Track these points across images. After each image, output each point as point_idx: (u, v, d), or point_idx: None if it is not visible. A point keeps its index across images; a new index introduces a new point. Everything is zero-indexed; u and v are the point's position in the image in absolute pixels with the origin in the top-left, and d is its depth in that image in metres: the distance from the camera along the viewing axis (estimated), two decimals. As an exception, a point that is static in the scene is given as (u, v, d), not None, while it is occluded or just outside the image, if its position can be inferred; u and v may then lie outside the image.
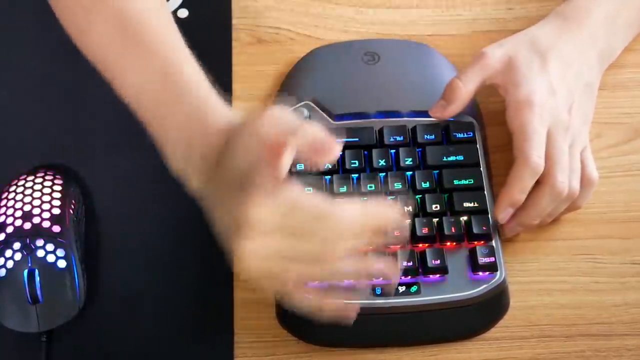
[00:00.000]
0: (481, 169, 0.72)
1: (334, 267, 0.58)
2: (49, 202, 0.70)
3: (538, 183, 0.70)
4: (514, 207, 0.70)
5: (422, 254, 0.68)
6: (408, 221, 0.67)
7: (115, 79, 0.65)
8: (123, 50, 0.64)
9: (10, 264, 0.67)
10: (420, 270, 0.68)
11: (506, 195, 0.69)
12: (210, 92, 0.63)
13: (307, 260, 0.57)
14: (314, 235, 0.57)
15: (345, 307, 0.60)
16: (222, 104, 0.63)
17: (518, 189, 0.69)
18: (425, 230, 0.69)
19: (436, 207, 0.70)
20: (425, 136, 0.73)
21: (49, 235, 0.68)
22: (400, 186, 0.70)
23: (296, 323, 0.69)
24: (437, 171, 0.71)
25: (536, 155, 0.69)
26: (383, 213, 0.58)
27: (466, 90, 0.72)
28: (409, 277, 0.68)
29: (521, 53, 0.72)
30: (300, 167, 0.71)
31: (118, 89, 0.65)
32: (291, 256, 0.57)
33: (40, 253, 0.67)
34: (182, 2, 0.83)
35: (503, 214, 0.70)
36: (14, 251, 0.67)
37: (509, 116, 0.71)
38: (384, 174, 0.71)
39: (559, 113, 0.71)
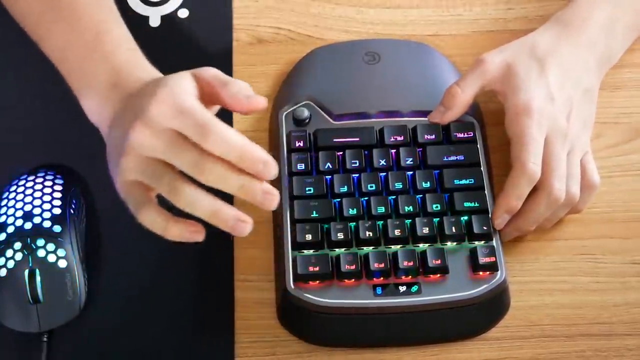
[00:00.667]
0: (482, 168, 0.72)
1: (194, 193, 0.58)
2: (50, 202, 0.70)
3: (536, 189, 0.70)
4: (510, 213, 0.70)
5: (423, 254, 0.68)
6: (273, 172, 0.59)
7: (42, 40, 0.69)
8: (52, 13, 0.67)
9: (11, 263, 0.67)
10: (420, 270, 0.68)
11: (503, 202, 0.69)
12: (137, 52, 0.67)
13: (171, 182, 0.59)
14: (186, 158, 0.58)
15: (191, 229, 0.60)
16: (148, 63, 0.66)
17: (514, 195, 0.69)
18: (425, 230, 0.69)
19: (437, 207, 0.70)
20: (426, 136, 0.73)
21: (49, 235, 0.68)
22: (401, 186, 0.70)
23: (296, 323, 0.69)
24: (438, 171, 0.71)
25: (532, 162, 0.69)
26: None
27: (465, 96, 0.72)
28: (410, 277, 0.68)
29: (520, 60, 0.72)
30: (300, 167, 0.71)
31: (44, 48, 0.69)
32: (159, 174, 0.59)
33: (41, 253, 0.68)
34: (182, 2, 0.83)
35: (499, 219, 0.70)
36: (15, 251, 0.67)
37: (508, 123, 0.71)
38: (384, 173, 0.71)
39: (557, 120, 0.71)
